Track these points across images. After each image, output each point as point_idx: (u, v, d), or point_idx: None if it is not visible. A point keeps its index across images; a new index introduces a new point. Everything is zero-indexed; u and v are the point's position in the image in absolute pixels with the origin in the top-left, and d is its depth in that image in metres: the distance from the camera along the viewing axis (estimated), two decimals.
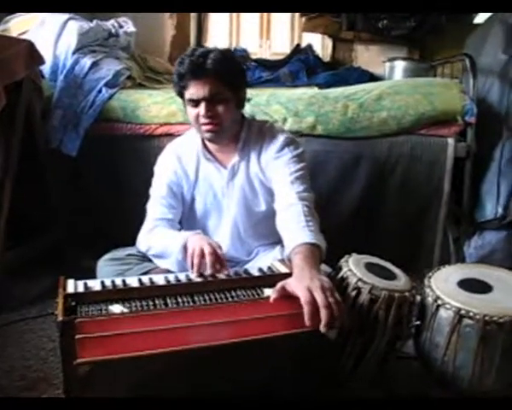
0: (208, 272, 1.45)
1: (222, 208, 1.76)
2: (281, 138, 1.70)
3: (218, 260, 1.46)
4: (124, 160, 2.41)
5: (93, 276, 1.68)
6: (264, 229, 1.76)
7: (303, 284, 1.24)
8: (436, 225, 2.34)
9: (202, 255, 1.45)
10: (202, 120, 1.61)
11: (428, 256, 2.38)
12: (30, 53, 2.14)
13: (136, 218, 1.76)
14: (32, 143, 2.29)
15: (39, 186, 2.36)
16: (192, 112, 1.63)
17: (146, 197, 1.79)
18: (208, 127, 1.62)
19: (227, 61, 1.63)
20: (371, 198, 2.34)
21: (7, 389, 1.54)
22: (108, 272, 1.67)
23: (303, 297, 1.20)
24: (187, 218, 1.81)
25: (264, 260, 1.70)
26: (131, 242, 1.77)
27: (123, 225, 2.25)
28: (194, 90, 1.59)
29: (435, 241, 2.36)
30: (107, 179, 2.43)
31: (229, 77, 1.61)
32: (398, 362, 1.55)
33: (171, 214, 1.72)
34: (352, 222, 2.35)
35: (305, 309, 1.19)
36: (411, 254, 2.40)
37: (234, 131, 1.71)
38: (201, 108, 1.59)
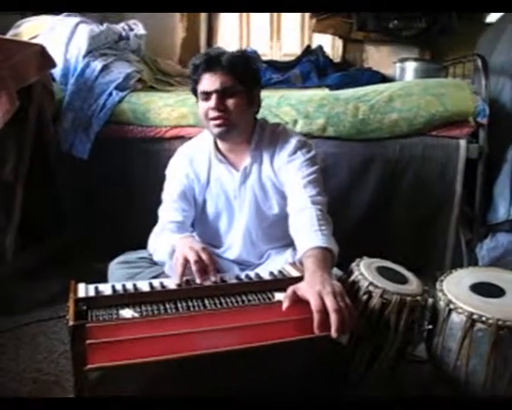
0: (197, 281, 1.40)
1: (234, 211, 1.75)
2: (293, 141, 1.69)
3: (205, 266, 1.41)
4: (134, 162, 2.41)
5: (104, 278, 1.70)
6: (276, 232, 1.75)
7: (314, 289, 1.23)
8: (448, 227, 2.32)
9: (186, 263, 1.41)
10: (212, 114, 1.60)
11: (440, 258, 2.36)
12: (41, 57, 2.15)
13: (147, 220, 1.75)
14: (42, 147, 2.31)
15: (50, 189, 2.37)
16: (203, 106, 1.63)
17: (156, 200, 1.78)
18: (217, 122, 1.61)
19: (242, 58, 1.65)
20: (382, 200, 2.33)
21: (18, 393, 1.55)
22: (120, 275, 1.68)
23: (313, 303, 1.19)
24: (199, 220, 1.80)
25: (275, 263, 1.69)
26: (143, 244, 1.76)
27: (134, 227, 2.26)
28: (207, 82, 1.59)
29: (447, 243, 2.34)
30: (117, 182, 2.43)
31: (242, 72, 1.62)
32: (410, 365, 1.54)
33: (181, 217, 1.70)
34: (363, 224, 2.34)
35: (315, 316, 1.18)
36: (423, 256, 2.38)
37: (246, 131, 1.70)
38: (212, 101, 1.59)
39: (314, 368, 1.25)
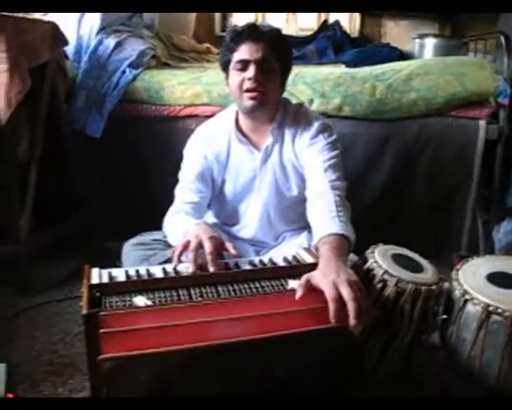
0: (191, 268, 1.35)
1: (253, 191, 1.74)
2: (316, 124, 1.67)
3: (216, 259, 1.36)
4: (148, 141, 2.40)
5: (118, 257, 1.71)
6: (294, 214, 1.74)
7: (329, 278, 1.21)
8: (465, 208, 2.30)
9: (186, 248, 1.37)
10: (248, 85, 1.57)
11: (457, 240, 2.34)
12: (54, 35, 2.13)
13: (162, 200, 1.74)
14: (56, 126, 2.30)
15: (64, 169, 2.37)
16: (237, 77, 1.60)
17: (171, 179, 1.76)
18: (253, 94, 1.58)
19: (282, 36, 1.68)
20: (399, 181, 2.30)
21: (34, 375, 1.56)
22: (134, 256, 1.67)
23: (328, 293, 1.18)
24: (216, 200, 1.79)
25: (290, 246, 1.69)
26: (157, 224, 1.73)
27: (148, 206, 2.27)
28: (247, 51, 1.57)
29: (464, 225, 2.32)
30: (131, 161, 2.43)
31: (281, 49, 1.63)
32: (423, 351, 1.53)
33: (198, 198, 1.68)
34: (380, 205, 2.31)
35: (330, 306, 1.16)
36: (440, 237, 2.37)
37: (272, 110, 1.68)
38: (250, 71, 1.56)
39: (328, 358, 1.25)
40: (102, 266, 1.36)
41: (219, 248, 1.40)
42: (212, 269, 1.34)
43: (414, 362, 1.48)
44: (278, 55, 1.61)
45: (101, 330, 1.09)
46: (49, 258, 2.22)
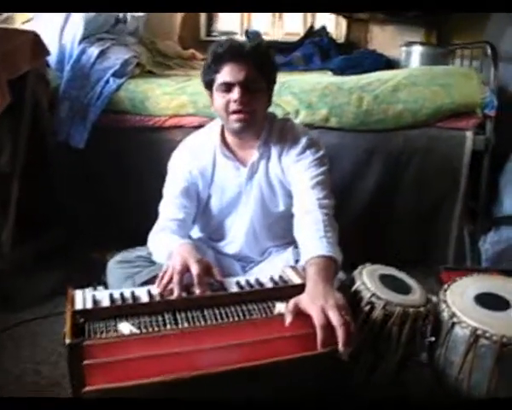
0: (175, 293, 1.32)
1: (238, 206, 1.71)
2: (303, 140, 1.65)
3: (202, 282, 1.34)
4: (133, 152, 2.38)
5: (103, 268, 1.69)
6: (280, 229, 1.72)
7: (317, 304, 1.20)
8: (452, 219, 2.31)
9: (184, 272, 1.35)
10: (234, 107, 1.54)
11: (443, 251, 2.34)
12: (35, 44, 2.09)
13: (146, 211, 1.73)
14: (38, 137, 2.26)
15: (47, 180, 2.33)
16: (222, 99, 1.56)
17: (156, 190, 1.73)
18: (240, 116, 1.55)
19: (264, 51, 1.62)
20: (386, 192, 2.30)
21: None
22: (118, 274, 1.65)
23: (317, 319, 1.17)
24: (202, 216, 1.76)
25: (276, 262, 1.68)
26: (142, 236, 1.69)
27: (132, 218, 2.25)
28: (230, 73, 1.53)
29: (451, 236, 2.33)
30: (116, 172, 2.40)
31: (265, 65, 1.59)
32: (413, 368, 1.52)
33: (182, 214, 1.65)
34: (366, 217, 2.31)
35: (319, 333, 1.15)
36: (426, 248, 2.38)
37: (259, 127, 1.65)
38: (235, 93, 1.53)
39: (316, 382, 1.24)
40: (88, 279, 1.35)
41: (206, 273, 1.38)
42: (198, 291, 1.33)
43: (401, 380, 1.48)
44: (263, 72, 1.58)
45: (86, 362, 1.07)
46: (32, 272, 2.18)
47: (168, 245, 1.52)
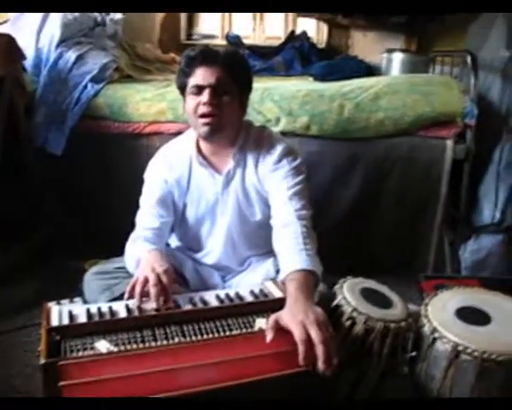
0: (152, 305, 1.34)
1: (215, 215, 1.70)
2: (279, 148, 1.63)
3: (163, 292, 1.35)
4: (111, 159, 2.34)
5: (80, 276, 1.66)
6: (258, 239, 1.71)
7: (297, 319, 1.19)
8: (432, 227, 2.32)
9: (145, 284, 1.36)
10: (202, 110, 1.53)
11: (424, 259, 2.35)
12: (9, 49, 2.06)
13: (125, 217, 1.70)
14: (15, 142, 2.22)
15: (24, 187, 2.28)
16: (192, 102, 1.56)
17: (135, 196, 1.72)
18: (207, 120, 1.54)
19: (238, 57, 1.64)
20: (367, 201, 2.31)
21: None
22: (96, 286, 1.62)
23: (297, 335, 1.15)
24: (179, 224, 1.74)
25: (257, 272, 1.67)
26: (118, 242, 1.67)
27: (111, 225, 2.21)
28: (202, 76, 1.53)
29: (431, 244, 2.33)
30: (94, 179, 2.37)
31: (238, 71, 1.58)
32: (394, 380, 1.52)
33: (158, 223, 1.64)
34: (348, 225, 2.31)
35: (300, 349, 1.14)
36: (407, 256, 2.38)
37: (232, 134, 1.64)
38: (204, 95, 1.52)
39: (298, 397, 1.22)
40: (65, 288, 1.31)
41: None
42: (153, 305, 1.33)
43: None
44: (235, 77, 1.57)
45: (61, 383, 1.04)
46: (7, 281, 2.13)
47: (136, 253, 1.52)
